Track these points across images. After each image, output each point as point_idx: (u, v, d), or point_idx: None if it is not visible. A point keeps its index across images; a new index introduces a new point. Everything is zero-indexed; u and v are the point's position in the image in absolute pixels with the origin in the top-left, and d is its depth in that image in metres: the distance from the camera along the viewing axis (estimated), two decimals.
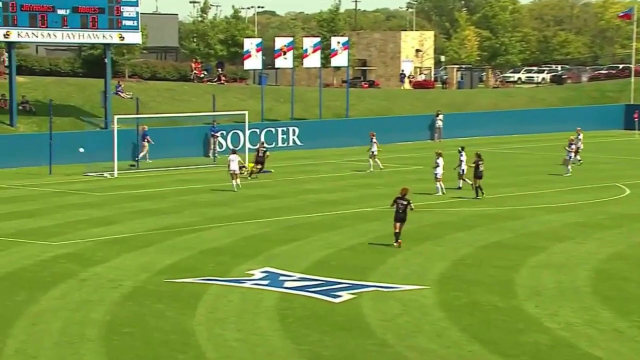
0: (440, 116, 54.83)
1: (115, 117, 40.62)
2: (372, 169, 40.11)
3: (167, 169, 41.25)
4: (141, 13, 46.98)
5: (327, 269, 21.76)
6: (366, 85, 71.14)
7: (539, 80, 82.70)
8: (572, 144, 39.11)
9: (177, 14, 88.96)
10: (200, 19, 69.77)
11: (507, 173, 40.02)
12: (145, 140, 43.01)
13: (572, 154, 39.02)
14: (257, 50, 51.52)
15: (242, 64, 54.98)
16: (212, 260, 22.73)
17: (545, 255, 23.36)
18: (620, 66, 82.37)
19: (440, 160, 32.81)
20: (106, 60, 46.45)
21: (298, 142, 49.82)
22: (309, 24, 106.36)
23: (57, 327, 17.18)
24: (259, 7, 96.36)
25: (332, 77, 70.17)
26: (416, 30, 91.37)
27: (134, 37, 46.15)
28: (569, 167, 38.77)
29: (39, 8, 42.81)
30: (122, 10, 44.74)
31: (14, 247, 24.29)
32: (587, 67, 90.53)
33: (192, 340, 16.53)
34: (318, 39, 56.24)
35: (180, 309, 18.37)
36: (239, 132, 46.25)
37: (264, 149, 39.27)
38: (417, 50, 78.93)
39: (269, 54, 59.71)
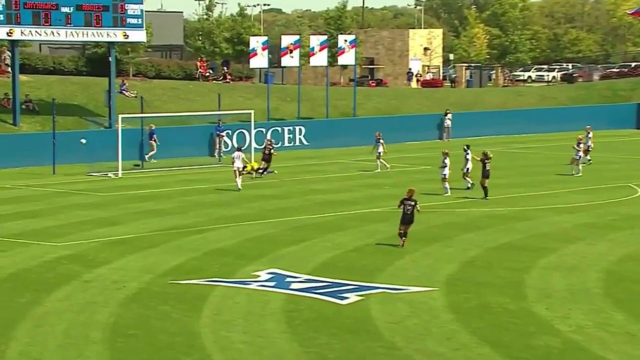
0: (449, 115, 54.78)
1: (120, 116, 40.68)
2: (379, 170, 40.11)
3: (172, 168, 41.30)
4: (146, 11, 47.03)
5: (334, 271, 21.76)
6: (374, 84, 71.12)
7: (550, 78, 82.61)
8: (580, 143, 39.01)
9: (182, 12, 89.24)
10: (205, 16, 69.85)
11: (517, 173, 39.97)
12: (153, 139, 43.14)
13: (581, 154, 38.92)
14: (263, 49, 51.54)
15: (248, 63, 55.01)
16: (217, 262, 22.75)
17: (556, 257, 23.33)
18: (633, 64, 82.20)
19: (448, 160, 32.79)
20: (110, 58, 46.52)
21: (304, 142, 49.83)
22: (316, 22, 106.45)
23: (61, 329, 17.21)
24: (265, 4, 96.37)
25: (339, 76, 70.17)
26: (424, 28, 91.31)
27: (138, 35, 46.20)
28: (580, 167, 38.70)
29: (42, 6, 42.89)
30: (126, 8, 44.81)
31: (18, 247, 24.35)
32: (599, 66, 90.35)
33: (198, 342, 16.54)
34: (325, 37, 56.22)
35: (185, 310, 18.40)
36: (244, 131, 46.28)
37: (271, 147, 39.31)
38: (426, 49, 78.87)
39: (275, 52, 59.76)
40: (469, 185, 33.69)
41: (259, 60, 51.94)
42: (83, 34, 44.47)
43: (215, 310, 18.50)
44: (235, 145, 42.63)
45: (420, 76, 74.14)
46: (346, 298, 19.31)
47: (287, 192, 34.47)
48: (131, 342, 16.56)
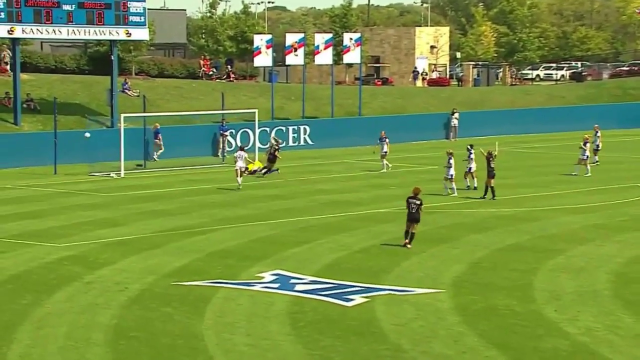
0: (456, 114, 54.75)
1: (122, 115, 40.73)
2: (384, 170, 40.10)
3: (175, 168, 41.34)
4: (148, 9, 47.07)
5: (339, 272, 21.75)
6: (379, 83, 71.09)
7: (558, 77, 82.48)
8: (587, 142, 38.93)
9: (185, 10, 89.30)
10: (209, 14, 69.83)
11: (525, 173, 39.93)
12: (158, 138, 43.24)
13: (588, 153, 38.83)
14: (267, 47, 51.56)
15: (252, 61, 55.02)
16: (221, 263, 22.76)
17: (564, 258, 23.30)
18: None
19: (453, 161, 32.80)
20: (112, 57, 46.57)
21: (309, 141, 49.82)
22: (321, 20, 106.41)
23: (63, 331, 17.23)
24: (269, 2, 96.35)
25: (345, 75, 70.16)
26: (431, 26, 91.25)
27: (141, 34, 46.25)
28: (588, 167, 38.63)
29: (43, 3, 42.94)
30: (129, 5, 44.85)
31: (19, 248, 24.39)
32: (608, 64, 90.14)
33: (201, 344, 16.55)
34: (330, 35, 56.23)
35: (188, 312, 18.41)
36: (248, 130, 46.30)
37: (277, 148, 39.33)
38: (432, 47, 78.80)
39: (280, 50, 59.75)
40: (468, 185, 33.66)
41: (263, 59, 51.96)
42: (85, 32, 44.52)
43: (218, 312, 18.51)
44: (239, 144, 42.66)
45: (426, 75, 74.09)
46: (351, 300, 19.30)
47: (291, 192, 34.48)
48: (133, 344, 16.57)
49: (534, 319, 18.14)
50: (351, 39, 55.49)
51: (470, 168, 33.71)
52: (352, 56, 55.47)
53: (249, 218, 28.89)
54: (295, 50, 52.60)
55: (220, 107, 46.22)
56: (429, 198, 30.06)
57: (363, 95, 55.99)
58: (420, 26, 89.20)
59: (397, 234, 25.46)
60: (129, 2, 44.86)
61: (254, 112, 44.08)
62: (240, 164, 34.94)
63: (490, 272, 21.80)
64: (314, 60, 55.73)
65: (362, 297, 19.52)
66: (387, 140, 40.34)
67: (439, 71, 77.17)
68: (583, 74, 79.28)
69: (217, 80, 59.98)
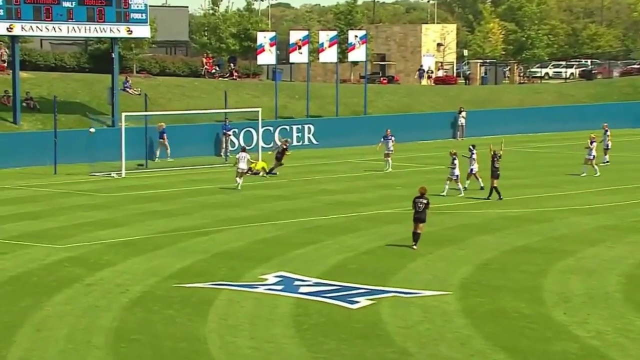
0: (463, 113, 54.73)
1: (123, 114, 40.77)
2: (390, 169, 40.08)
3: (177, 168, 41.39)
4: (150, 5, 47.10)
5: (344, 274, 21.77)
6: (385, 81, 71.07)
7: (568, 75, 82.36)
8: (593, 142, 38.87)
9: (187, 7, 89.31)
10: (211, 11, 69.90)
11: (534, 173, 39.91)
12: (163, 138, 43.34)
13: (594, 152, 38.76)
14: (271, 45, 51.58)
15: (255, 59, 55.06)
16: (224, 265, 22.79)
17: (574, 260, 23.28)
18: None
19: (457, 161, 32.80)
20: (113, 55, 46.61)
21: (313, 141, 49.83)
22: (325, 17, 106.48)
23: (63, 334, 17.27)
24: None
25: (350, 73, 70.15)
26: (438, 23, 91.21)
27: (142, 31, 46.29)
28: (596, 167, 38.58)
29: (43, 0, 43.00)
30: (130, 2, 44.87)
31: (18, 250, 24.44)
32: (619, 62, 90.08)
33: (203, 348, 16.57)
34: (335, 33, 56.23)
35: (190, 315, 18.43)
36: (251, 130, 46.33)
37: (285, 147, 39.41)
38: (439, 44, 78.76)
39: (284, 48, 59.77)
40: (466, 187, 33.60)
41: (267, 57, 51.97)
42: (85, 30, 44.57)
43: (221, 314, 18.53)
44: (242, 144, 42.70)
45: (432, 73, 74.06)
46: (356, 302, 19.32)
47: (295, 192, 34.50)
48: (135, 348, 16.60)
49: (543, 321, 18.13)
50: (356, 36, 55.48)
51: (472, 169, 33.71)
52: (357, 54, 55.47)
53: (253, 219, 28.92)
54: (300, 48, 52.61)
55: (222, 105, 46.24)
56: (436, 198, 30.06)
57: (368, 93, 55.98)
58: (426, 23, 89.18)
59: (404, 235, 25.46)
60: None
61: (258, 111, 44.09)
62: (242, 165, 34.95)
63: (499, 274, 21.80)
64: (318, 58, 55.74)
65: (368, 299, 19.53)
66: (392, 138, 40.26)
67: (445, 69, 77.12)
68: (593, 72, 79.18)
69: (220, 78, 60.01)
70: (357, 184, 36.89)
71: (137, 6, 45.20)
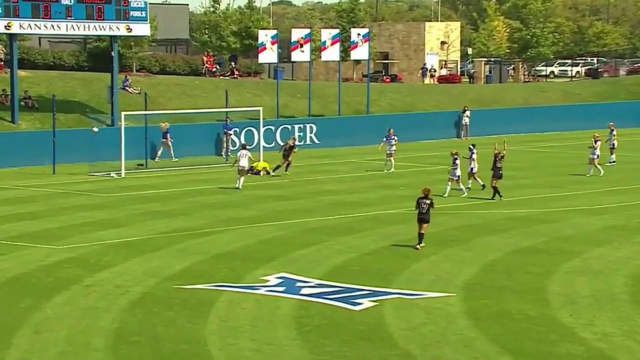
0: (467, 112, 54.74)
1: (123, 113, 40.79)
2: (393, 169, 40.09)
3: (177, 168, 41.41)
4: (150, 3, 47.10)
5: (346, 275, 21.78)
6: (388, 80, 71.10)
7: (573, 74, 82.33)
8: (597, 141, 38.87)
9: (187, 4, 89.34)
10: (212, 9, 69.93)
11: (539, 173, 39.91)
12: (166, 137, 43.42)
13: (598, 152, 38.76)
14: (273, 43, 51.60)
15: (257, 57, 55.09)
16: (224, 266, 22.81)
17: (580, 261, 23.29)
18: None
19: (459, 161, 32.85)
20: (113, 53, 46.64)
21: (315, 140, 49.85)
22: (328, 15, 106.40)
23: (62, 336, 17.29)
24: None
25: (352, 71, 70.17)
26: (441, 20, 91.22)
27: (142, 29, 46.31)
28: (599, 166, 38.56)
29: None
30: (129, 0, 44.92)
31: (17, 251, 24.47)
32: (625, 60, 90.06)
33: (204, 350, 16.59)
34: (337, 31, 56.24)
35: (191, 317, 18.45)
36: (253, 129, 46.35)
37: (293, 145, 39.47)
38: (443, 43, 78.77)
39: (285, 46, 59.79)
40: (469, 187, 33.61)
41: (268, 55, 51.99)
42: (84, 27, 44.60)
43: (222, 316, 18.54)
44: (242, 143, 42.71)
45: (435, 71, 74.06)
46: (359, 304, 19.33)
47: (297, 192, 34.51)
48: (134, 349, 16.62)
49: (548, 323, 18.13)
50: (359, 34, 55.51)
51: (472, 169, 33.75)
52: (360, 52, 55.48)
53: (254, 219, 28.94)
54: (301, 46, 52.63)
55: (223, 104, 46.26)
56: (439, 199, 30.07)
57: (371, 92, 55.98)
58: (430, 21, 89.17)
59: (407, 236, 25.48)
60: None
61: (259, 110, 44.10)
62: (243, 162, 35.00)
63: (503, 275, 21.80)
64: (320, 57, 55.73)
65: (371, 301, 19.54)
66: (395, 138, 40.27)
67: (449, 68, 77.12)
68: (599, 70, 79.14)
69: (221, 77, 60.04)
70: (359, 184, 36.90)
71: (137, 4, 45.22)
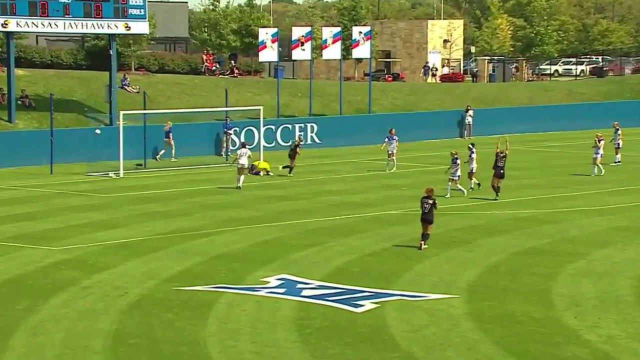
0: (470, 112, 54.73)
1: (121, 112, 40.80)
2: (393, 169, 40.10)
3: (177, 168, 41.42)
4: (149, 1, 47.12)
5: (348, 276, 21.77)
6: (390, 79, 71.11)
7: (578, 72, 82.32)
8: (601, 140, 38.87)
9: (187, 2, 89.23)
10: (211, 7, 69.93)
11: (543, 173, 39.90)
12: (169, 137, 43.46)
13: (602, 151, 38.76)
14: (273, 41, 51.60)
15: (257, 56, 55.08)
16: (224, 267, 22.80)
17: (585, 262, 23.27)
18: None
19: (459, 161, 32.89)
20: (111, 51, 46.66)
21: (317, 140, 49.83)
22: (329, 13, 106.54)
23: (60, 338, 17.28)
24: None
25: (354, 70, 70.17)
26: (444, 18, 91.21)
27: (141, 27, 46.33)
28: (600, 165, 38.54)
29: None
30: None
31: (13, 252, 24.47)
32: (631, 58, 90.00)
33: (204, 352, 16.59)
34: (338, 29, 56.25)
35: (190, 319, 18.45)
36: (253, 128, 46.35)
37: (297, 144, 39.52)
38: (445, 41, 78.76)
39: (286, 45, 59.78)
40: (472, 186, 33.65)
41: (269, 54, 51.98)
42: (82, 26, 44.61)
43: (222, 318, 18.54)
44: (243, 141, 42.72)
45: (436, 70, 74.04)
46: (361, 306, 19.32)
47: (298, 193, 34.52)
48: (133, 352, 16.61)
49: (553, 325, 18.12)
50: (360, 32, 55.50)
51: (472, 169, 33.78)
52: (362, 51, 55.47)
53: (254, 220, 28.93)
54: (302, 44, 52.63)
55: (223, 104, 46.26)
56: (442, 200, 30.05)
57: (373, 91, 55.99)
58: (432, 19, 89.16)
59: (409, 237, 25.47)
60: None
61: (259, 110, 44.09)
62: (243, 161, 35.01)
63: (507, 277, 21.79)
64: (321, 55, 55.73)
65: (372, 302, 19.53)
66: (396, 138, 40.27)
67: (452, 67, 77.10)
68: (604, 69, 79.11)
69: (221, 76, 60.05)
70: (361, 184, 36.90)
71: (136, 2, 45.24)
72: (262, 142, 43.56)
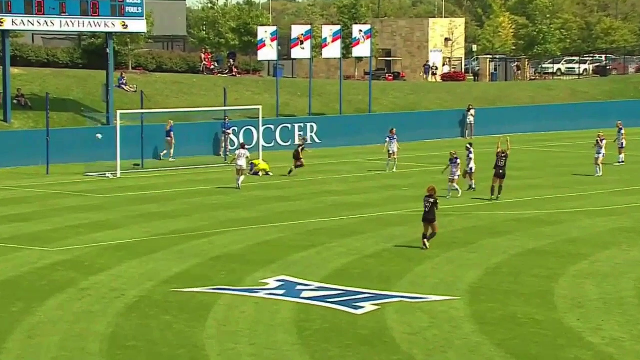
0: (472, 111, 54.76)
1: (118, 112, 40.84)
2: (393, 169, 40.12)
3: (175, 168, 41.44)
4: None
5: (348, 278, 21.78)
6: (391, 78, 71.14)
7: (581, 71, 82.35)
8: (603, 140, 38.88)
9: (185, 0, 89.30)
10: (210, 5, 69.97)
11: (546, 173, 39.93)
12: (170, 136, 43.50)
13: (604, 151, 38.78)
14: (272, 40, 51.62)
15: (256, 55, 55.12)
16: (223, 268, 22.81)
17: (588, 264, 23.29)
18: None
19: (459, 161, 32.92)
20: (108, 50, 46.67)
21: (316, 140, 49.85)
22: (329, 11, 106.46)
23: (56, 341, 17.29)
24: None
25: (354, 69, 70.20)
26: (445, 17, 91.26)
27: (138, 25, 46.35)
28: (600, 165, 38.55)
29: None
30: None
31: (9, 253, 24.47)
32: (635, 57, 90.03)
33: (202, 355, 16.60)
34: (338, 27, 56.28)
35: (189, 321, 18.46)
36: (252, 128, 46.38)
37: (301, 144, 39.55)
38: (447, 39, 78.79)
39: (285, 43, 59.79)
40: (474, 186, 33.68)
41: (268, 52, 52.02)
42: (79, 24, 44.63)
43: (220, 320, 18.55)
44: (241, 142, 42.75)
45: (436, 69, 74.07)
46: (361, 307, 19.33)
47: (298, 193, 34.53)
48: (131, 355, 16.62)
49: (555, 328, 18.13)
50: (361, 31, 55.52)
51: (471, 168, 33.82)
52: (362, 49, 55.50)
53: (254, 221, 28.95)
54: (302, 43, 52.66)
55: (222, 103, 46.29)
56: (444, 200, 30.07)
57: (373, 90, 56.02)
58: (434, 17, 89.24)
59: (410, 238, 25.48)
60: None
61: (258, 109, 44.12)
62: (241, 162, 35.02)
63: (509, 278, 21.80)
64: (321, 54, 55.77)
65: (373, 304, 19.54)
66: (396, 138, 40.29)
67: (454, 65, 77.14)
68: (608, 67, 79.15)
69: (219, 75, 60.08)
70: (361, 184, 36.92)
71: (133, 0, 45.24)
72: (262, 142, 43.57)
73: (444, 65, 76.11)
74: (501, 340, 17.39)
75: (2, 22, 42.93)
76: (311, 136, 49.84)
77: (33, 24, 44.04)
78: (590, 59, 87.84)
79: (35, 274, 22.28)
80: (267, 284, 21.27)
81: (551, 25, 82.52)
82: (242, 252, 24.66)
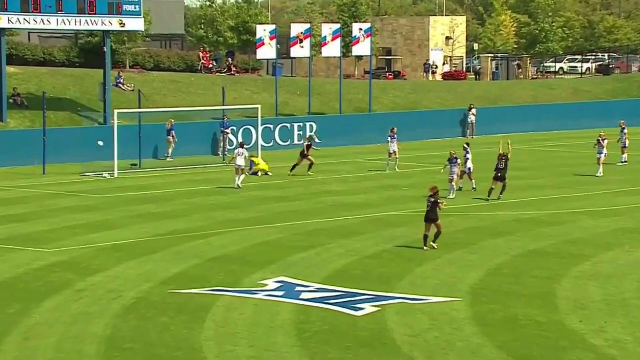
0: (474, 110, 54.77)
1: (116, 111, 40.85)
2: (395, 169, 40.13)
3: (173, 168, 41.44)
4: None
5: (348, 279, 21.79)
6: (391, 77, 71.17)
7: (584, 70, 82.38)
8: (605, 139, 38.90)
9: None
10: (208, 3, 69.99)
11: (548, 173, 39.93)
12: (171, 135, 43.53)
13: (606, 151, 38.81)
14: (271, 38, 51.63)
15: (255, 54, 55.12)
16: (222, 269, 22.82)
17: (591, 265, 23.29)
18: None
19: (459, 161, 32.95)
20: (105, 49, 46.68)
21: (316, 139, 49.78)
22: (328, 9, 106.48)
23: (52, 343, 17.29)
24: None
25: (354, 68, 70.21)
26: (446, 15, 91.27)
27: (136, 24, 46.35)
28: (601, 165, 38.57)
29: None
30: None
31: (5, 254, 24.48)
32: (638, 56, 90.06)
33: (200, 357, 16.60)
34: (338, 26, 56.29)
35: (187, 322, 18.46)
36: (251, 128, 46.38)
37: (309, 143, 39.58)
38: (448, 38, 78.81)
39: (284, 42, 59.84)
40: (473, 186, 33.74)
41: (267, 51, 52.03)
42: (76, 22, 44.64)
43: (219, 322, 18.55)
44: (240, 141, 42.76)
45: (436, 68, 74.07)
46: (361, 309, 19.33)
47: (297, 193, 34.54)
48: (128, 357, 16.62)
49: (558, 330, 18.13)
50: (361, 29, 55.53)
51: (469, 169, 33.87)
52: (362, 48, 55.51)
53: (253, 221, 28.95)
54: (301, 41, 52.67)
55: (220, 102, 46.30)
56: (447, 201, 30.04)
57: (374, 90, 56.03)
58: (435, 16, 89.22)
59: (411, 238, 25.49)
60: None
61: (257, 108, 44.13)
62: (239, 161, 35.04)
63: (511, 280, 21.80)
64: (321, 53, 55.80)
65: (373, 306, 19.55)
66: (396, 137, 40.31)
67: (455, 64, 77.16)
68: (611, 66, 79.19)
69: (218, 74, 60.09)
70: (362, 184, 36.93)
71: None
72: (260, 142, 43.59)
73: (444, 64, 76.12)
74: (503, 342, 17.39)
75: None
76: (311, 136, 49.83)
77: (29, 22, 44.06)
78: (593, 57, 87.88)
79: (32, 275, 22.29)
80: (266, 285, 21.28)
81: (553, 24, 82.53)
82: (241, 253, 24.66)
